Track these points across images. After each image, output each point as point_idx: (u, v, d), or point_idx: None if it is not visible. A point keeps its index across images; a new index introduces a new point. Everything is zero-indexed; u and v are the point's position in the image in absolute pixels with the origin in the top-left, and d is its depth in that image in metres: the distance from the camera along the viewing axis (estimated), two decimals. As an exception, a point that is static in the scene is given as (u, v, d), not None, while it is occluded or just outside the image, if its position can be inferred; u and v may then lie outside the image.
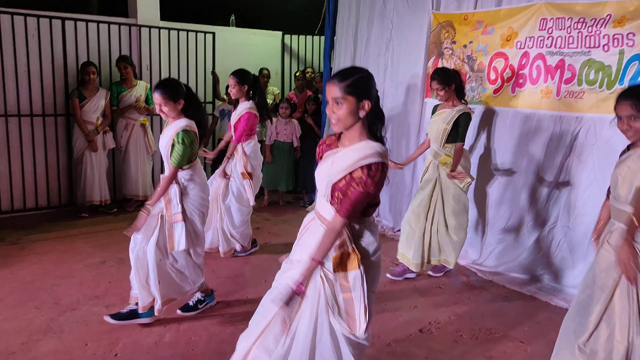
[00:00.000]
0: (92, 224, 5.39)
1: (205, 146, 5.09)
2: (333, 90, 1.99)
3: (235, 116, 4.49)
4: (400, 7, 5.30)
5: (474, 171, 4.41)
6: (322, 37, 6.98)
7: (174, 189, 3.23)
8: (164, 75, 6.32)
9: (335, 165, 2.05)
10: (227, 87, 6.31)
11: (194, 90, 6.38)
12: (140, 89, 5.83)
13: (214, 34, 6.64)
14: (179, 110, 3.24)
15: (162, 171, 3.51)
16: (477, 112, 4.55)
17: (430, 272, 4.34)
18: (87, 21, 5.74)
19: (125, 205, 5.97)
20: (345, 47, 6.03)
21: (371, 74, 2.08)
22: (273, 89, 7.14)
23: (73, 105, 5.47)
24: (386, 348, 3.17)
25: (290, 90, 7.28)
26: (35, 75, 5.47)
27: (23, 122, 5.42)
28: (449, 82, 3.96)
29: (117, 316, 3.28)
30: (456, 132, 3.96)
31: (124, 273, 3.67)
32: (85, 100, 5.48)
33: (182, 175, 3.27)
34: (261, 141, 5.82)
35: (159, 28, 6.21)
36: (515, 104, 4.32)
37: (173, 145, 3.20)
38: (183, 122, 3.21)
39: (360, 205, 2.01)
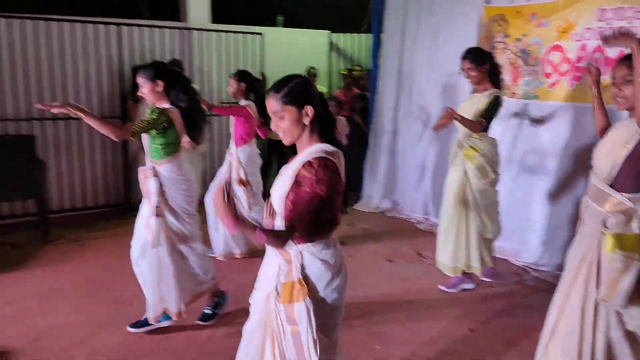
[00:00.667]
0: (147, 222, 5.57)
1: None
2: (271, 104, 1.90)
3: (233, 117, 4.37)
4: (449, 1, 5.20)
5: (522, 166, 4.27)
6: (370, 35, 6.96)
7: (152, 182, 3.10)
8: (215, 76, 6.47)
9: (283, 178, 1.93)
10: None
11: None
12: (191, 91, 5.96)
13: (262, 35, 6.73)
14: (161, 93, 3.08)
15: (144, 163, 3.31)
16: (532, 106, 4.41)
17: (483, 278, 4.02)
18: (141, 26, 5.95)
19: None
20: (392, 43, 5.97)
21: (307, 78, 2.00)
22: (320, 87, 7.16)
23: (128, 108, 5.67)
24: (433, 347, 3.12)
25: (338, 88, 7.28)
26: (93, 79, 5.71)
27: (82, 124, 5.67)
28: (482, 61, 3.59)
29: (137, 325, 3.27)
30: (486, 117, 3.60)
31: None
32: (138, 102, 5.67)
33: (162, 169, 3.11)
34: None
35: (209, 30, 6.35)
36: (572, 98, 4.16)
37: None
38: (163, 105, 3.08)
39: (310, 209, 1.81)
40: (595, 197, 2.27)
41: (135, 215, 3.32)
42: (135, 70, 5.58)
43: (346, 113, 6.57)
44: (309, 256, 1.91)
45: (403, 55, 5.83)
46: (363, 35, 7.49)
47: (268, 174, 6.79)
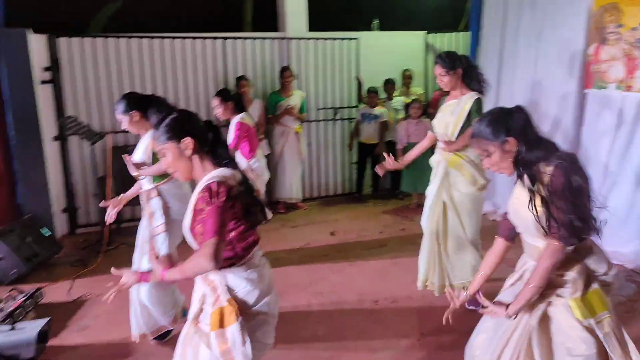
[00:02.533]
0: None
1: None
2: (153, 144, 1.95)
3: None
4: (554, -8, 4.95)
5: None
6: (466, 33, 6.78)
7: (157, 202, 3.17)
8: (312, 83, 6.65)
9: (187, 212, 1.92)
10: (368, 90, 6.52)
11: (340, 96, 6.75)
12: (296, 97, 6.18)
13: (357, 39, 6.81)
14: (141, 121, 3.19)
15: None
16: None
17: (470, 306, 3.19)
18: (244, 38, 6.29)
19: (277, 207, 6.35)
20: (492, 42, 5.79)
21: (185, 110, 2.00)
22: (416, 89, 7.10)
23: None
24: None
25: (435, 90, 7.16)
26: (201, 90, 6.12)
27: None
28: (453, 66, 3.37)
29: (162, 336, 3.33)
30: (468, 125, 3.31)
31: (276, 271, 3.92)
32: (243, 110, 5.97)
33: (162, 188, 3.18)
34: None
35: (307, 39, 6.55)
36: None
37: (154, 154, 3.10)
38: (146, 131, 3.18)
39: (222, 219, 1.77)
40: None
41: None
42: (239, 80, 5.92)
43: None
44: (233, 277, 1.90)
45: (503, 52, 5.62)
46: (460, 34, 7.30)
47: (362, 175, 6.87)
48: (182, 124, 1.90)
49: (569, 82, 4.83)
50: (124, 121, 3.20)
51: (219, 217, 1.76)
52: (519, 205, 1.95)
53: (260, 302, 1.90)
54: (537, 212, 1.84)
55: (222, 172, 1.87)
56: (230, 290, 1.88)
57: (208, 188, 1.79)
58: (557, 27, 4.92)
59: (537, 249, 1.95)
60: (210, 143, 1.94)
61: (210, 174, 1.86)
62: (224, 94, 4.44)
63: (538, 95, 5.15)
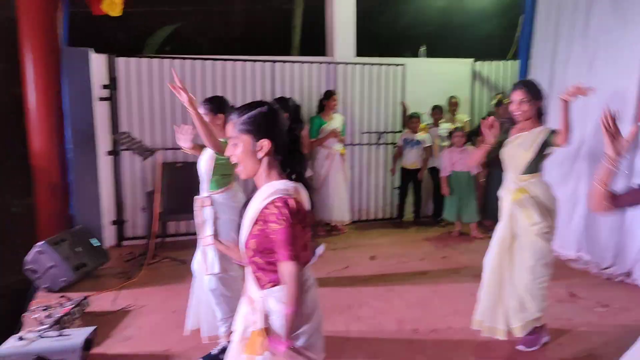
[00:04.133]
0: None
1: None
2: (229, 129, 1.78)
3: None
4: (607, 22, 4.85)
5: None
6: (514, 62, 6.72)
7: (209, 210, 3.19)
8: (359, 107, 6.71)
9: (244, 220, 1.79)
10: (410, 115, 6.52)
11: (384, 120, 6.78)
12: (337, 121, 6.25)
13: (404, 65, 6.86)
14: (221, 125, 3.21)
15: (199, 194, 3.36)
16: None
17: (520, 346, 3.38)
18: (293, 62, 6.44)
19: (317, 229, 6.35)
20: (541, 70, 5.70)
21: (274, 109, 1.80)
22: (462, 116, 7.05)
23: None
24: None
25: (480, 117, 7.09)
26: (249, 111, 6.26)
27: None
28: (537, 95, 3.21)
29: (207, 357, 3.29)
30: (540, 159, 3.22)
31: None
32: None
33: (219, 197, 3.22)
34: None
35: (354, 64, 6.64)
36: None
37: (216, 163, 3.18)
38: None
39: (297, 241, 1.66)
40: None
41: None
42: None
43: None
44: (274, 302, 1.75)
45: (554, 82, 5.53)
46: (509, 62, 7.25)
47: (404, 200, 6.82)
48: (267, 123, 1.76)
49: (622, 114, 4.69)
50: (207, 118, 3.19)
51: (294, 237, 1.66)
52: None
53: (296, 334, 1.75)
54: None
55: (289, 185, 1.75)
56: (267, 315, 1.75)
57: (285, 204, 1.67)
58: (611, 56, 4.82)
59: None
60: (287, 151, 1.80)
61: (278, 186, 1.73)
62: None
63: (590, 129, 5.02)
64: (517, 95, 3.24)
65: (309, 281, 1.84)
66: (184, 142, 3.35)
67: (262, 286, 1.78)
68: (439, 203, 6.60)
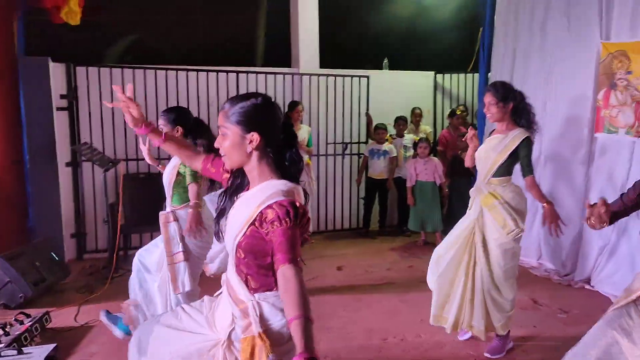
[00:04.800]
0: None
1: None
2: (219, 118, 1.70)
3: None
4: (562, 39, 5.07)
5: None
6: (475, 75, 6.92)
7: (174, 227, 3.11)
8: (324, 118, 6.75)
9: (235, 218, 1.70)
10: (376, 126, 6.61)
11: (349, 131, 6.84)
12: (304, 132, 6.27)
13: (368, 77, 6.95)
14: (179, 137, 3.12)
15: (164, 207, 3.31)
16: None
17: (486, 354, 3.42)
18: (257, 73, 6.43)
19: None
20: (501, 84, 5.88)
21: (271, 102, 1.73)
22: (425, 127, 7.21)
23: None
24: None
25: (443, 128, 7.27)
26: (214, 122, 6.19)
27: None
28: (505, 97, 3.21)
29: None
30: (511, 163, 3.26)
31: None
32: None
33: (181, 213, 3.16)
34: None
35: (319, 75, 6.69)
36: None
37: (179, 174, 3.13)
38: None
39: (297, 245, 1.57)
40: None
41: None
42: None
43: (452, 152, 6.58)
44: (268, 307, 1.68)
45: (512, 94, 5.71)
46: (470, 75, 7.45)
47: (370, 210, 6.88)
48: (260, 116, 1.69)
49: (578, 125, 4.90)
50: (165, 129, 3.13)
51: (296, 240, 1.56)
52: None
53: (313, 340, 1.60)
54: None
55: (286, 185, 1.68)
56: (264, 321, 1.67)
57: (292, 205, 1.58)
58: (566, 71, 5.03)
59: None
60: (279, 146, 1.72)
61: (279, 186, 1.66)
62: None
63: (548, 139, 5.21)
64: (486, 98, 3.29)
65: None
66: (147, 158, 3.29)
67: (252, 290, 1.70)
68: (404, 213, 6.69)
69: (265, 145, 1.69)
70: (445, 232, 6.45)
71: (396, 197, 6.91)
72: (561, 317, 4.10)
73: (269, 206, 1.60)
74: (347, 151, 6.97)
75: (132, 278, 3.43)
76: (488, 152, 3.31)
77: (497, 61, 5.98)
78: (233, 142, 1.68)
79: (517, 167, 3.35)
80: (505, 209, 3.24)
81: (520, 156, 3.22)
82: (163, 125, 3.16)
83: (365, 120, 6.94)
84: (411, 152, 6.65)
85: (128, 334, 3.33)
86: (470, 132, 3.46)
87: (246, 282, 1.71)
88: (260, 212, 1.61)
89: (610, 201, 2.19)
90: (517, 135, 3.23)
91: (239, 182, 1.81)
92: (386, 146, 6.63)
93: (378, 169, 6.65)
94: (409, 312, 4.24)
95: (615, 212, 2.18)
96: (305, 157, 6.25)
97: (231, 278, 1.76)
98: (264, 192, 1.66)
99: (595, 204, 2.10)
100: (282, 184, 1.67)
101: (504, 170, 3.28)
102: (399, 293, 4.68)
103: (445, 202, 6.56)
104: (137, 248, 5.76)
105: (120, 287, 4.74)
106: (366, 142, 6.95)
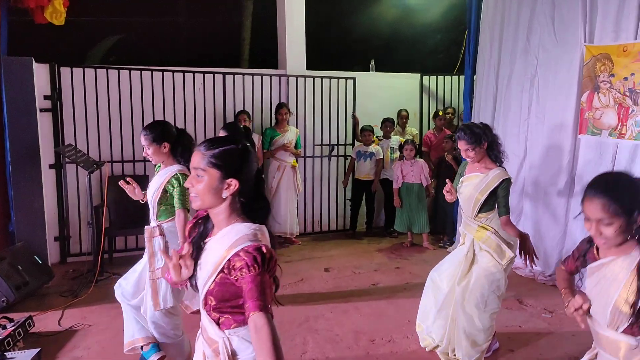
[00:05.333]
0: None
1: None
2: (195, 159, 1.66)
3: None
4: (547, 42, 5.12)
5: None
6: (461, 77, 6.97)
7: (158, 242, 3.06)
8: (311, 120, 6.75)
9: (203, 266, 1.68)
10: (363, 128, 6.64)
11: (336, 133, 6.85)
12: (291, 133, 6.27)
13: (354, 79, 6.97)
14: (167, 154, 3.08)
15: (148, 222, 3.24)
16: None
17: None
18: (244, 74, 6.41)
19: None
20: (486, 85, 5.94)
21: (248, 149, 1.72)
22: (411, 129, 7.24)
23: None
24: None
25: (429, 129, 7.31)
26: (201, 122, 6.18)
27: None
28: (479, 140, 3.28)
29: None
30: (493, 202, 3.32)
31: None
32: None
33: (168, 227, 3.11)
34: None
35: (305, 77, 6.69)
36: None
37: (165, 192, 3.06)
38: (175, 168, 3.06)
39: (266, 291, 1.54)
40: None
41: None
42: (239, 114, 6.00)
43: (436, 154, 6.62)
44: (238, 340, 1.66)
45: (497, 96, 5.76)
46: (455, 77, 7.50)
47: (357, 212, 6.90)
48: (239, 162, 1.67)
49: (562, 128, 4.95)
50: (152, 148, 3.06)
51: (264, 286, 1.54)
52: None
53: None
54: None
55: (254, 228, 1.65)
56: (233, 355, 1.66)
57: (257, 251, 1.56)
58: (550, 74, 5.08)
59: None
60: (250, 192, 1.72)
61: (243, 230, 1.64)
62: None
63: (532, 140, 5.26)
64: (461, 146, 3.36)
65: None
66: (135, 196, 3.24)
67: (224, 327, 1.68)
68: (391, 214, 6.71)
69: (240, 192, 1.68)
70: (431, 234, 6.55)
71: (383, 198, 6.93)
72: (546, 317, 4.14)
73: (236, 254, 1.58)
74: (334, 153, 6.97)
75: (129, 318, 3.27)
76: (470, 191, 3.37)
77: (482, 63, 6.02)
78: (209, 185, 1.64)
79: None
80: (498, 236, 3.32)
81: (499, 196, 3.29)
82: (146, 145, 3.06)
83: (352, 122, 6.95)
84: (398, 153, 6.67)
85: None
86: (447, 185, 3.49)
87: (217, 322, 1.70)
88: (228, 260, 1.59)
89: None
90: (497, 175, 3.30)
91: (202, 229, 1.79)
92: (373, 148, 6.65)
93: (365, 170, 6.67)
94: (397, 313, 4.25)
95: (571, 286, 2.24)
96: (291, 160, 6.25)
97: (203, 320, 1.75)
98: (229, 237, 1.63)
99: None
100: (246, 228, 1.64)
101: (489, 206, 3.35)
102: (386, 294, 4.69)
103: (431, 204, 6.59)
104: (122, 251, 5.79)
105: (105, 290, 4.70)
106: (353, 144, 6.96)
